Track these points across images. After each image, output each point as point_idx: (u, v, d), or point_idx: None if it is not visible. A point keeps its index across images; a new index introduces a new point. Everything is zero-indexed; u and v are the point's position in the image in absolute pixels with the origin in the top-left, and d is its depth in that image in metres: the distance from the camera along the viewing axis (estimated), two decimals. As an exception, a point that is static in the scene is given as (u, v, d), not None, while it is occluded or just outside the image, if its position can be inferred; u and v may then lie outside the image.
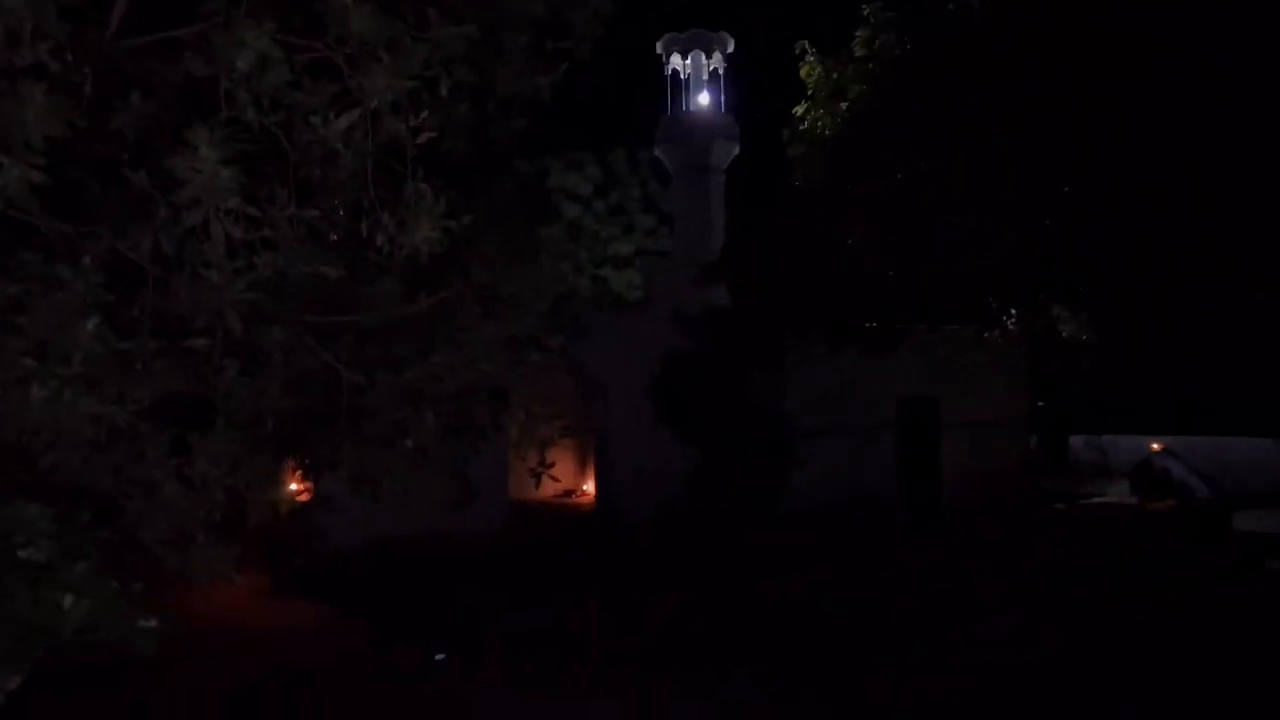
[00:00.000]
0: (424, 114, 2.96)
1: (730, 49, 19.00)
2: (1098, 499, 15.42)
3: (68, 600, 2.89)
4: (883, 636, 8.98)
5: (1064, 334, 14.53)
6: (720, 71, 19.13)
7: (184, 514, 3.32)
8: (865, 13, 12.55)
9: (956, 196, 10.90)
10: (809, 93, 13.37)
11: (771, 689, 7.44)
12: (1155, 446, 16.00)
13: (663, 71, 19.27)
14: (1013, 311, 15.19)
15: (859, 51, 12.62)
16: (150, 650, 3.03)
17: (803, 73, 13.34)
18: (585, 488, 18.31)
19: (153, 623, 3.07)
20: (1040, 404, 21.27)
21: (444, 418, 3.86)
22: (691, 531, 13.81)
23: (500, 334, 3.99)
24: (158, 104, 2.91)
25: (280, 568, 11.48)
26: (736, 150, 18.40)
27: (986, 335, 15.48)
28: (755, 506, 15.02)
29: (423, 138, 3.08)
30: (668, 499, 14.76)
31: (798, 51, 13.36)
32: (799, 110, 13.42)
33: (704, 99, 18.85)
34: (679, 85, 19.13)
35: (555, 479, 4.58)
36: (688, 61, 18.95)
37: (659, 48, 19.13)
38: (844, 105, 12.84)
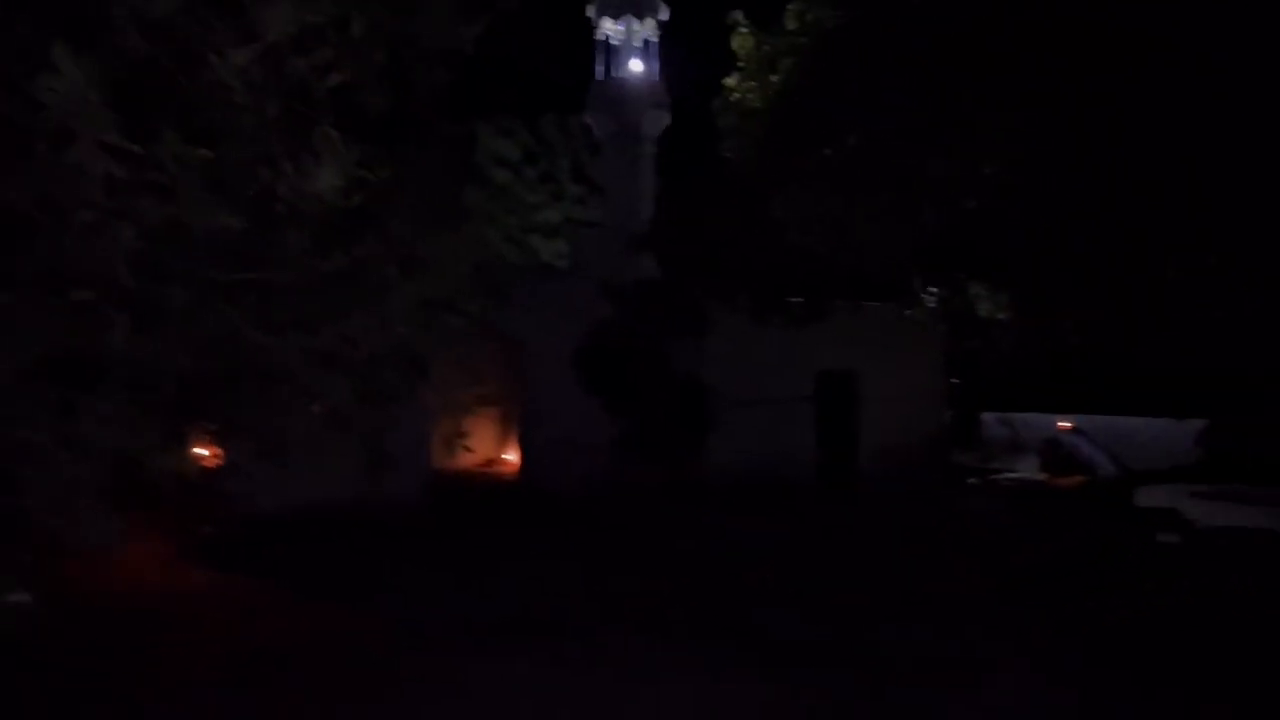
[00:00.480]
0: (330, 52, 2.76)
1: (664, 16, 18.80)
2: (1008, 474, 15.84)
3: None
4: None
5: (981, 313, 14.84)
6: (653, 39, 18.92)
7: (70, 480, 3.09)
8: (798, -14, 12.49)
9: (882, 173, 10.98)
10: (740, 64, 13.29)
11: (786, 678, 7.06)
12: (1063, 425, 16.48)
13: (594, 37, 18.99)
14: (933, 290, 15.45)
15: (791, 24, 12.56)
16: (10, 629, 2.81)
17: (734, 44, 13.24)
18: (507, 457, 18.15)
19: (26, 597, 2.85)
20: (954, 381, 21.79)
21: (357, 383, 3.68)
22: (616, 503, 13.80)
23: (418, 297, 3.82)
24: (32, 26, 2.65)
25: (188, 536, 11.09)
26: (668, 120, 18.27)
27: (907, 312, 15.73)
28: (678, 476, 15.06)
29: (332, 79, 2.88)
30: (591, 469, 14.70)
31: (729, 22, 13.25)
32: (730, 82, 13.33)
33: (636, 66, 18.65)
34: (611, 52, 18.88)
35: (469, 449, 4.43)
36: (620, 27, 18.69)
37: (590, 12, 18.82)
38: (774, 78, 12.79)
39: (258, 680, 6.73)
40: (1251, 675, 6.79)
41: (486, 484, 16.32)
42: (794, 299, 14.25)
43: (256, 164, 3.23)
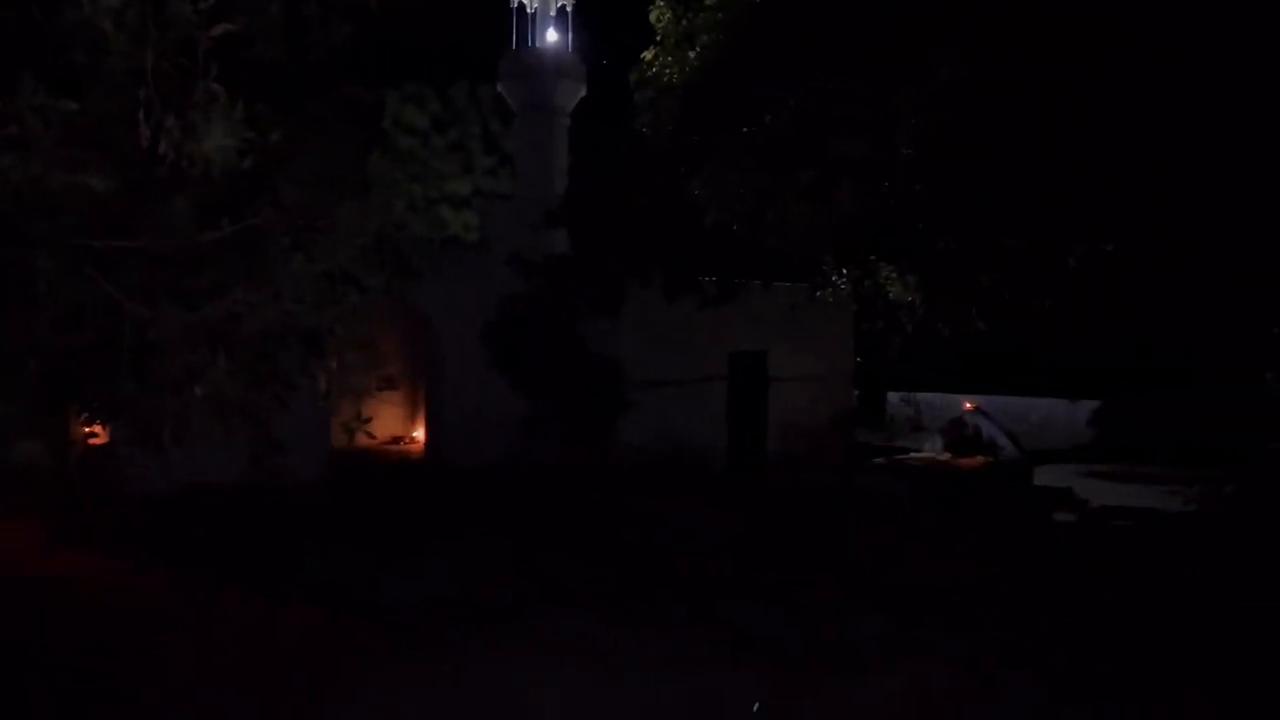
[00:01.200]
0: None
1: (580, -14, 18.45)
2: (913, 454, 16.15)
3: None
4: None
5: (890, 295, 15.05)
6: (568, 9, 18.55)
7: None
8: (718, -41, 12.31)
9: (801, 152, 10.93)
10: (658, 38, 13.08)
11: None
12: (967, 405, 16.89)
13: (510, 4, 18.52)
14: (844, 271, 15.60)
15: (710, -1, 12.40)
16: None
17: (652, 17, 13.01)
18: (415, 435, 17.73)
19: None
20: (859, 360, 22.17)
21: (243, 362, 3.39)
22: (526, 482, 13.58)
23: (313, 270, 3.54)
24: None
25: (68, 518, 10.46)
26: (583, 92, 17.95)
27: (819, 293, 15.84)
28: (588, 457, 14.93)
29: (218, 30, 2.60)
30: (501, 448, 14.44)
31: (647, -5, 13.02)
32: (647, 55, 13.11)
33: (551, 36, 18.26)
34: (526, 20, 18.44)
35: (370, 435, 4.16)
36: (535, -5, 18.27)
37: (505, -22, 18.35)
38: (693, 54, 12.62)
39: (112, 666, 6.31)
40: (1221, 660, 6.86)
41: (392, 463, 15.90)
42: (708, 278, 14.17)
43: (132, 119, 2.92)
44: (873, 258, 14.61)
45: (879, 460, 16.32)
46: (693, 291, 13.82)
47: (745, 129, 11.54)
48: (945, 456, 15.18)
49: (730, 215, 10.10)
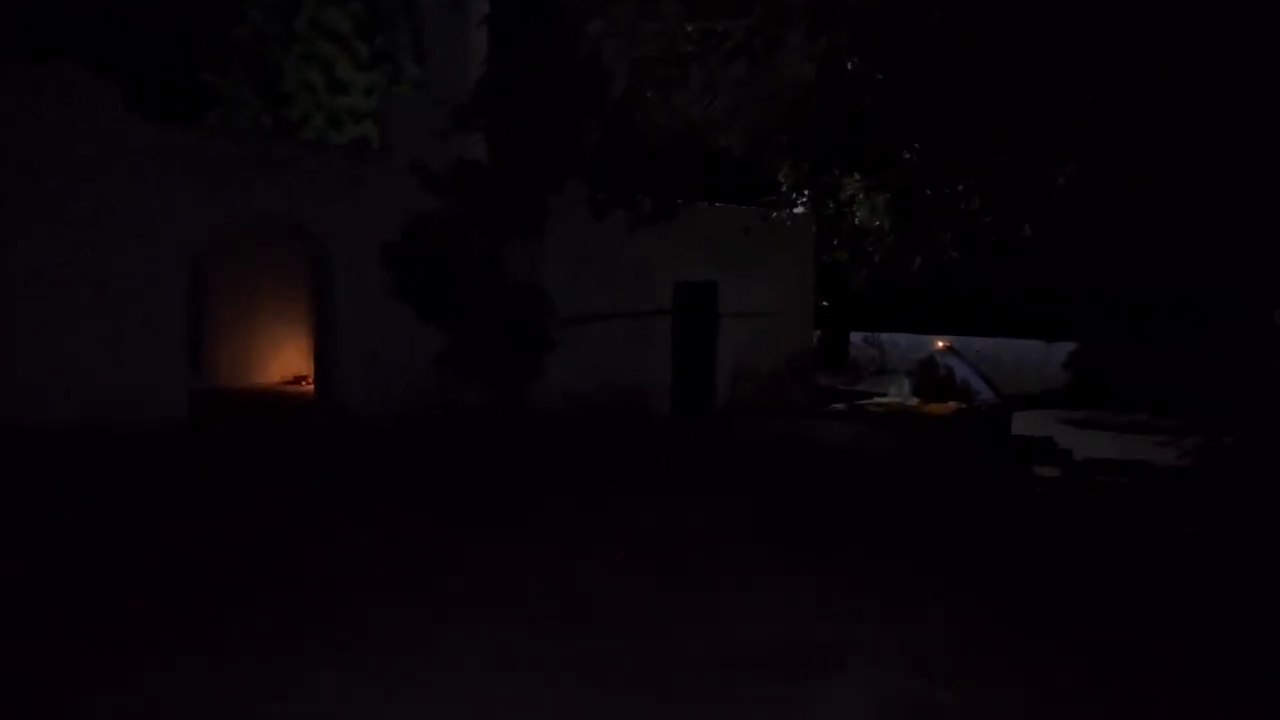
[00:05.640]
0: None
1: None
2: (878, 398, 14.39)
3: None
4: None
5: (857, 220, 13.17)
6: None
7: None
8: None
9: (745, 40, 8.90)
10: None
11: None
12: (940, 345, 15.12)
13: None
14: (805, 193, 13.67)
15: None
16: None
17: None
18: (317, 374, 15.66)
19: None
20: (825, 303, 20.36)
21: None
22: (436, 434, 11.62)
23: None
24: None
25: None
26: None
27: (775, 214, 13.91)
28: (509, 401, 12.98)
29: None
30: (407, 390, 12.41)
31: None
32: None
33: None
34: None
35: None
36: None
37: None
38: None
39: None
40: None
41: (281, 405, 13.84)
42: (640, 195, 12.12)
43: None
44: (835, 172, 12.68)
45: (839, 406, 14.54)
46: (624, 207, 11.77)
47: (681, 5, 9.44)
48: (914, 402, 13.41)
49: (644, 81, 7.99)
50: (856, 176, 11.82)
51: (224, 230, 11.70)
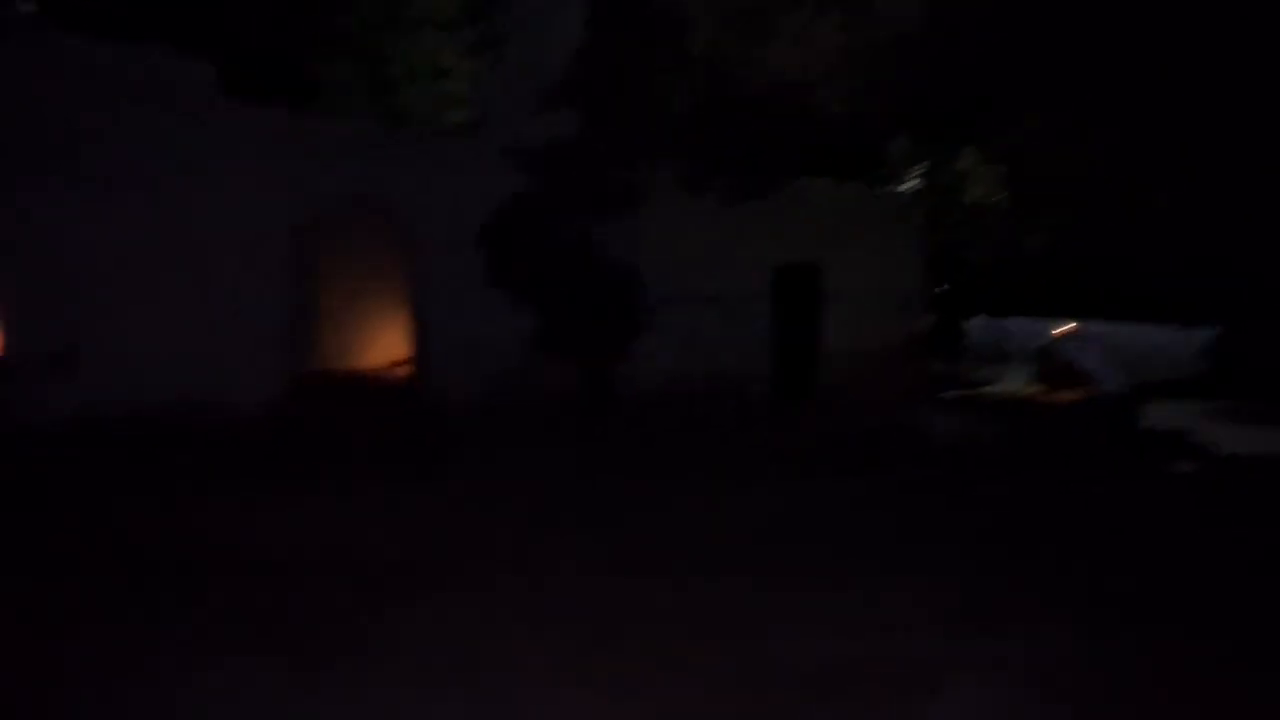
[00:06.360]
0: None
1: None
2: (996, 386, 13.48)
3: None
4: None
5: (968, 200, 12.35)
6: None
7: None
8: None
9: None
10: None
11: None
12: (1063, 330, 14.07)
13: None
14: (917, 167, 12.90)
15: None
16: None
17: None
18: (418, 358, 15.67)
19: None
20: (943, 286, 19.32)
21: None
22: (532, 419, 11.38)
23: None
24: None
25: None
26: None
27: (885, 188, 13.14)
28: (602, 382, 12.66)
29: None
30: (500, 375, 12.23)
31: None
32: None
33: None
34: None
35: None
36: None
37: None
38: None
39: None
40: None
41: (381, 390, 13.86)
42: (743, 172, 11.55)
43: None
44: (948, 144, 11.86)
45: (952, 393, 13.69)
46: (723, 185, 11.22)
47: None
48: (1034, 390, 12.49)
49: (729, 33, 7.42)
50: (970, 149, 11.00)
51: (319, 214, 11.70)
